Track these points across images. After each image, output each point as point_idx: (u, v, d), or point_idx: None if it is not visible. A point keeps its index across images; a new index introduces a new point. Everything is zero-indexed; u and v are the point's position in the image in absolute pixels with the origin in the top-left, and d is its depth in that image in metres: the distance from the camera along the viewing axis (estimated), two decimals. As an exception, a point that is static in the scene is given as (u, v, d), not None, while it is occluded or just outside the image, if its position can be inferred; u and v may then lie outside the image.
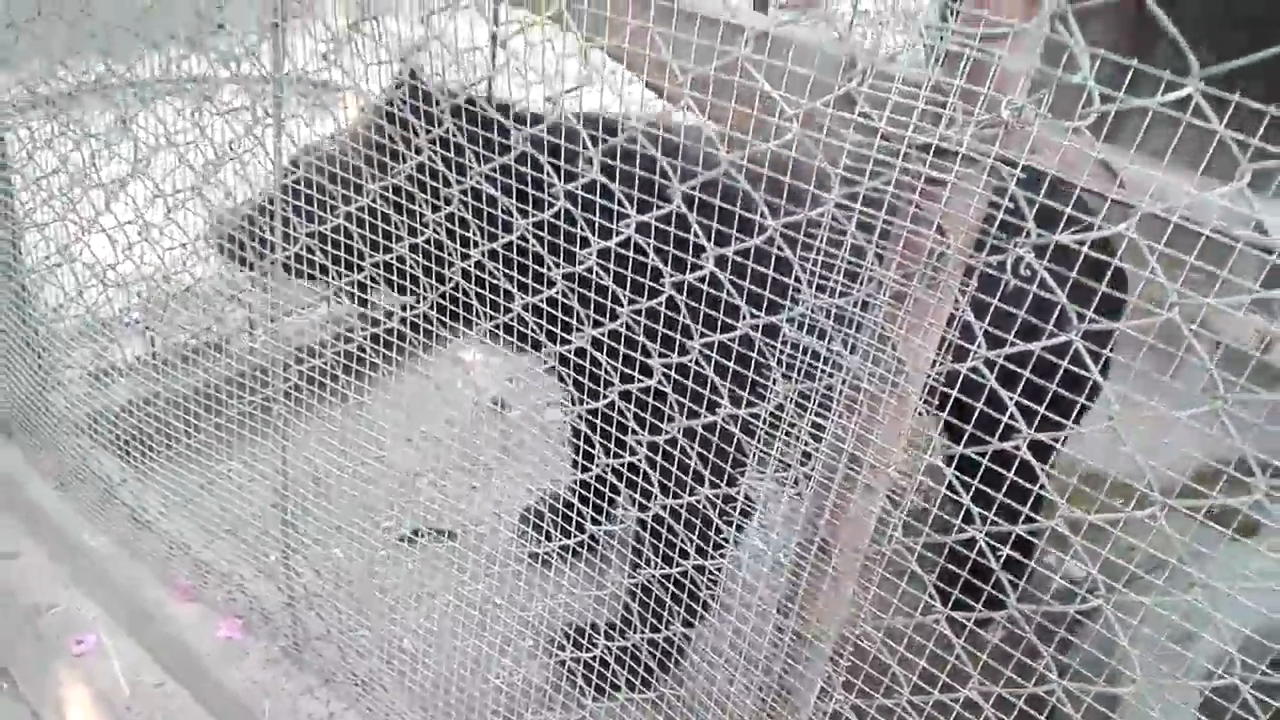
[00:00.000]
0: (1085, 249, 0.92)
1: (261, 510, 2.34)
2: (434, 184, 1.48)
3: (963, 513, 1.08)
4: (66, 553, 2.52)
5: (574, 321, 1.43)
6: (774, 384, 1.18)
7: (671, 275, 1.20)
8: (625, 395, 1.39)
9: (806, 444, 1.19)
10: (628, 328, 1.29)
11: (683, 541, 1.41)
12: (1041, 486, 1.06)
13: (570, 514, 2.60)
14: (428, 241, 1.53)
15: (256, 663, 2.19)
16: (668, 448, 1.37)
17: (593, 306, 1.40)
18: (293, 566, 2.16)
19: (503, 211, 1.40)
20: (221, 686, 2.15)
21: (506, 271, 1.47)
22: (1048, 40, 0.90)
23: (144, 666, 2.28)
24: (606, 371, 1.41)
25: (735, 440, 1.33)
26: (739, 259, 1.19)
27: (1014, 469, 1.07)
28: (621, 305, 1.27)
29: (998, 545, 1.06)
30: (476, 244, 1.44)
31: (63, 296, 2.58)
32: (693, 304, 1.26)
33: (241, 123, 2.01)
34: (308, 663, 2.18)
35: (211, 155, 2.10)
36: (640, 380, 1.32)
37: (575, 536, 2.35)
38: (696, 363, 1.26)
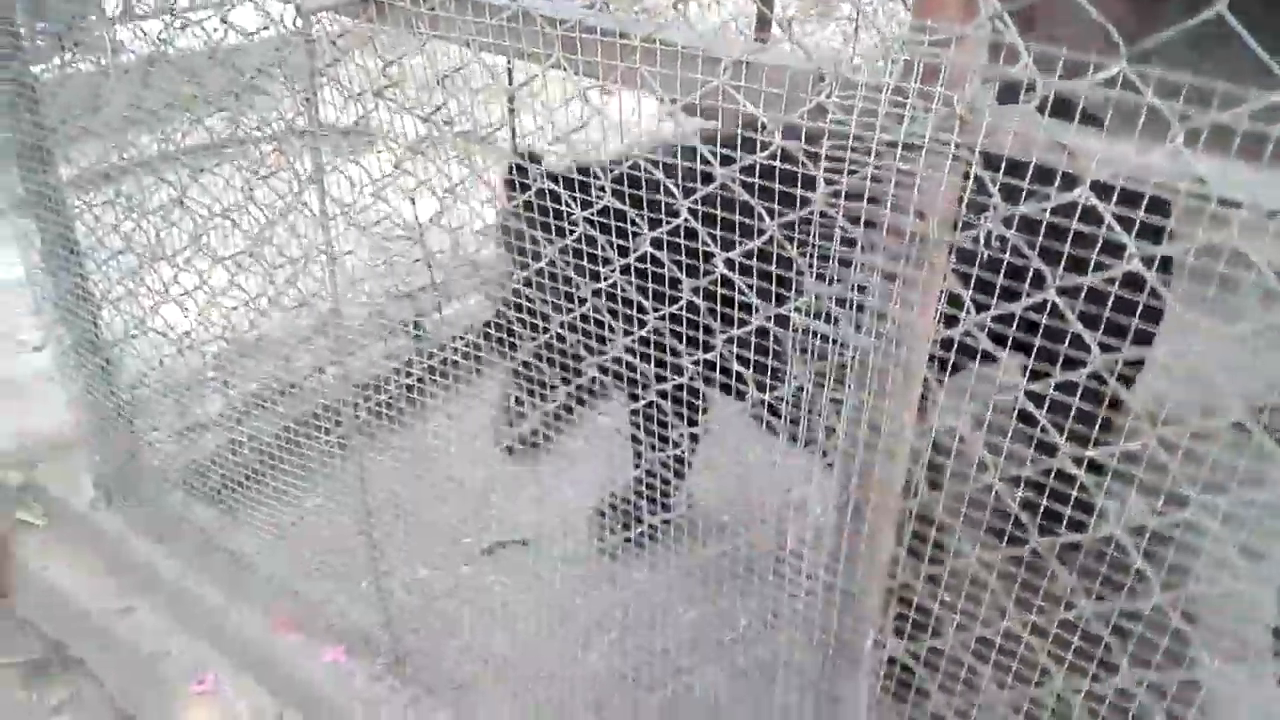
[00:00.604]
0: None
1: (349, 540, 2.52)
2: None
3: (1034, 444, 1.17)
4: (176, 602, 2.72)
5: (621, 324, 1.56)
6: (792, 367, 1.31)
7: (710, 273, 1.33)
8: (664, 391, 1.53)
9: (829, 419, 1.31)
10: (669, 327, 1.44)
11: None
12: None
13: (632, 509, 2.74)
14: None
15: (363, 681, 2.36)
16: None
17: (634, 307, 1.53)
18: (384, 588, 2.32)
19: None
20: (334, 706, 2.33)
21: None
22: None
23: (261, 698, 2.47)
24: (645, 371, 1.54)
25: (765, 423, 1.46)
26: (745, 260, 1.32)
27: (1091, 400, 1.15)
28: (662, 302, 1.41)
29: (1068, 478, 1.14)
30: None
31: (144, 364, 2.78)
32: (711, 303, 1.39)
33: (284, 182, 2.19)
34: (411, 676, 2.35)
35: (260, 217, 2.29)
36: (674, 378, 1.45)
37: (639, 529, 2.48)
38: (722, 355, 1.40)
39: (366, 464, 2.27)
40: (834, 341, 1.27)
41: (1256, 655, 2.25)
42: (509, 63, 3.14)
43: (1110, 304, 1.16)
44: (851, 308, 1.23)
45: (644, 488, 2.36)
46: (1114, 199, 0.99)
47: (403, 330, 3.60)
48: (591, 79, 1.28)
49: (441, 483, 2.78)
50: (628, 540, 2.54)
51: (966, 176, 1.09)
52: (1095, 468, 1.15)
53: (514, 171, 1.87)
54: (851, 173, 1.12)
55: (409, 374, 2.91)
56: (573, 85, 1.34)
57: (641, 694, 2.29)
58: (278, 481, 2.65)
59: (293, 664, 2.42)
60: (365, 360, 3.37)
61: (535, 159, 1.78)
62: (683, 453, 1.52)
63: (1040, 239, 1.11)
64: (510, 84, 3.50)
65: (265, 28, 1.81)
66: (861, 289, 1.21)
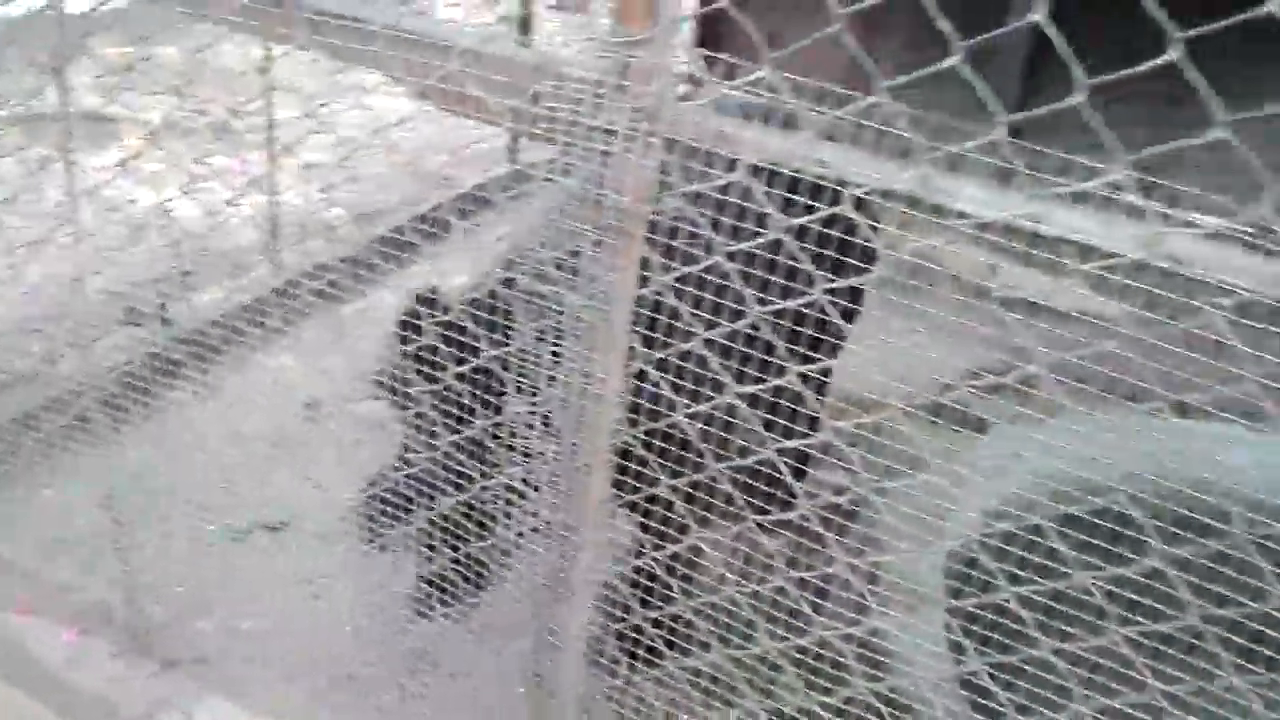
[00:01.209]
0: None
1: (93, 522, 2.49)
2: None
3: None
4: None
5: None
6: (520, 328, 1.50)
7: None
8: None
9: (550, 372, 1.51)
10: None
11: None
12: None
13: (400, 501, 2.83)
14: None
15: (102, 659, 2.34)
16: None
17: None
18: (127, 568, 2.32)
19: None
20: (70, 687, 2.29)
21: None
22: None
23: (-8, 683, 2.39)
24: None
25: (496, 377, 1.64)
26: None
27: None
28: None
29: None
30: None
31: None
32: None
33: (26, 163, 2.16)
34: (154, 651, 2.35)
35: None
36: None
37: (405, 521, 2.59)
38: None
39: (112, 447, 2.27)
40: (553, 303, 1.47)
41: (925, 605, 2.65)
42: (267, 51, 3.18)
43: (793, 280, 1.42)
44: (569, 271, 1.43)
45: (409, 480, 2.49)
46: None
47: (150, 317, 3.53)
48: (340, 62, 1.42)
49: (194, 466, 2.78)
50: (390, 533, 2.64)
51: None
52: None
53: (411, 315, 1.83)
54: (564, 151, 1.32)
55: (156, 360, 2.89)
56: (328, 74, 1.48)
57: (392, 663, 2.41)
58: (11, 466, 2.58)
59: (27, 647, 2.36)
60: (109, 345, 3.29)
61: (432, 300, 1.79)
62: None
63: (729, 219, 1.35)
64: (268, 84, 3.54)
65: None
66: (575, 255, 1.41)
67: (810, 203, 1.27)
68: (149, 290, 3.62)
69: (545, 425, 1.56)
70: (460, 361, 1.64)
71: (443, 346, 1.65)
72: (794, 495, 1.44)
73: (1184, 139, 0.97)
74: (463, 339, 1.63)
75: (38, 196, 2.50)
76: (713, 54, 1.35)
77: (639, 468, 1.57)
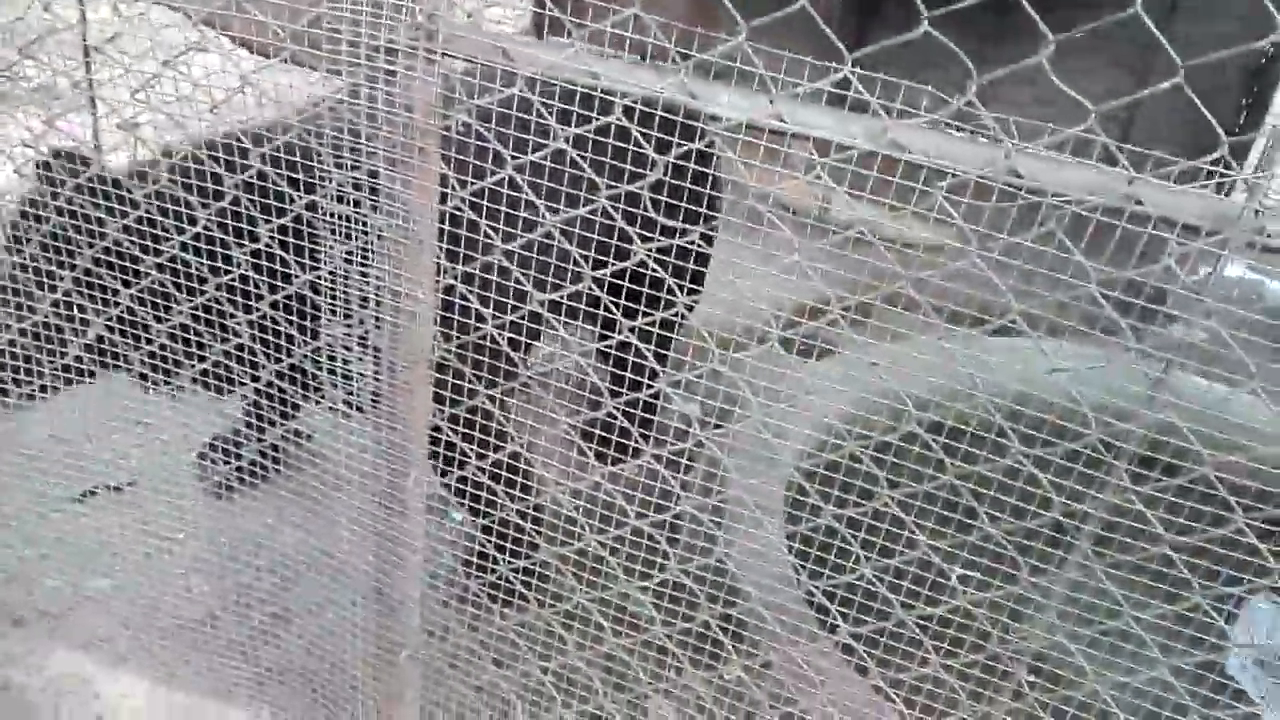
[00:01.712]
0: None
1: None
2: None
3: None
4: None
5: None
6: (328, 248, 1.54)
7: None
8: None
9: (363, 291, 1.56)
10: None
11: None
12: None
13: (240, 442, 2.84)
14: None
15: (-60, 624, 2.30)
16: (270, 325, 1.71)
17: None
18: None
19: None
20: (-94, 655, 2.25)
21: None
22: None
23: None
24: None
25: (308, 300, 1.68)
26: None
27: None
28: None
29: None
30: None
31: None
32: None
33: None
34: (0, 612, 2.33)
35: None
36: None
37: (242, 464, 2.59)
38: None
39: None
40: (358, 223, 1.52)
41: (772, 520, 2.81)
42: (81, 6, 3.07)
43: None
44: (371, 192, 1.48)
45: (247, 425, 2.50)
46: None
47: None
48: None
49: (27, 428, 2.72)
50: (233, 478, 2.64)
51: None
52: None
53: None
54: (350, 73, 1.36)
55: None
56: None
57: (241, 610, 2.43)
58: None
59: None
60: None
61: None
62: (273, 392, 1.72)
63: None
64: (84, 37, 3.40)
65: None
66: (374, 175, 1.46)
67: (582, 112, 1.36)
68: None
69: (362, 346, 1.61)
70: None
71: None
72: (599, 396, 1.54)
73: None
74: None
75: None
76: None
77: (457, 381, 1.64)
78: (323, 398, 1.75)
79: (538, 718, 1.97)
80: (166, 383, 2.04)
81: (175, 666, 2.26)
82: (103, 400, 3.19)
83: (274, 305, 1.67)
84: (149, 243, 1.73)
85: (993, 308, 1.33)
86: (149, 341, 1.83)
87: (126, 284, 1.78)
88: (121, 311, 1.78)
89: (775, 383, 1.71)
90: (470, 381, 1.60)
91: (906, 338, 2.33)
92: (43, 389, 2.08)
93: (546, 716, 1.93)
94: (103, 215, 1.73)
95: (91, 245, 1.74)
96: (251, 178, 1.55)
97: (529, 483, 1.94)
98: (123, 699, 2.24)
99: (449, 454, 1.69)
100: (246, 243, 1.64)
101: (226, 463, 2.63)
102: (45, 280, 1.86)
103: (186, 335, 1.81)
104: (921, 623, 1.47)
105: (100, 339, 1.89)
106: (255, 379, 1.75)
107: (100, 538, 2.69)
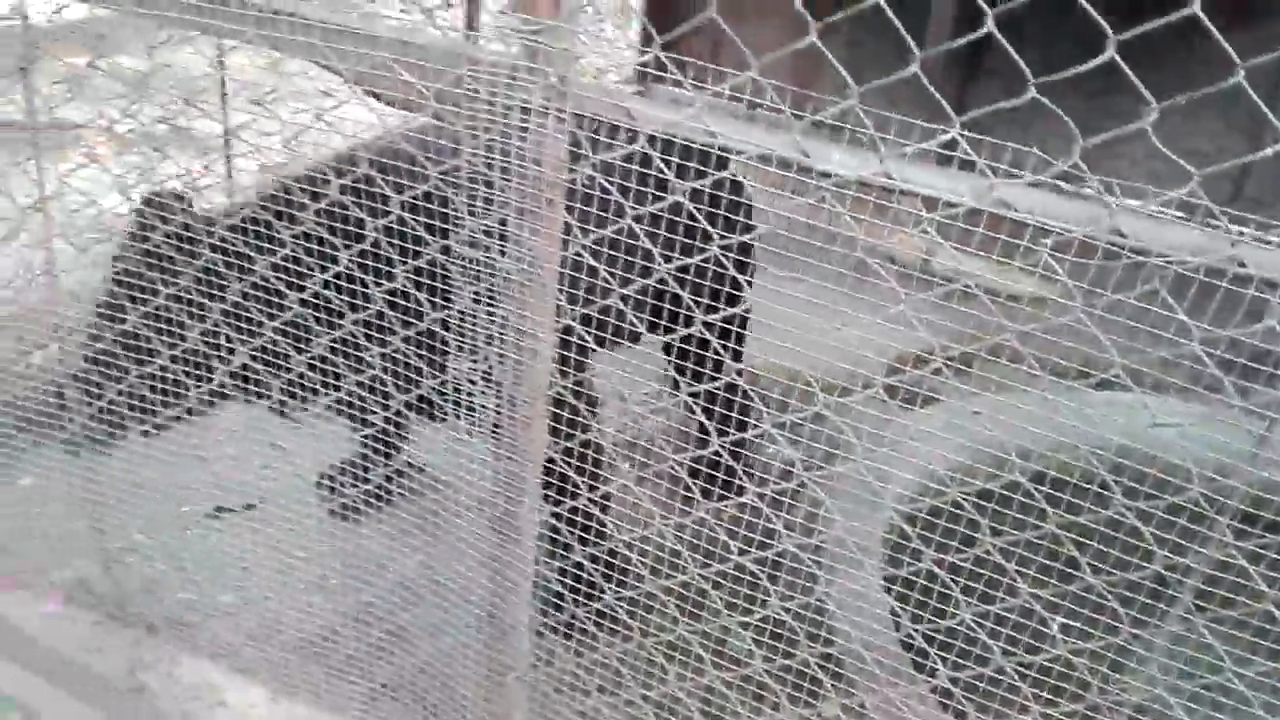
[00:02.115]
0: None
1: (71, 505, 2.63)
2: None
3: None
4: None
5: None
6: (460, 290, 1.66)
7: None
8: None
9: (489, 330, 1.67)
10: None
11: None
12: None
13: (360, 470, 2.99)
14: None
15: (84, 627, 2.49)
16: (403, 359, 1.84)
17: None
18: (107, 547, 2.46)
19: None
20: (56, 653, 2.44)
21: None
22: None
23: (-24, 654, 2.53)
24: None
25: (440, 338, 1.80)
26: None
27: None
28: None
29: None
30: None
31: None
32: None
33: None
34: (134, 618, 2.50)
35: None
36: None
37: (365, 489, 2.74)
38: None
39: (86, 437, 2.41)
40: (487, 266, 1.63)
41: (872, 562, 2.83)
42: (219, 54, 3.32)
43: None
44: (500, 239, 1.59)
45: (368, 452, 2.65)
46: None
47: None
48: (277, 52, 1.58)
49: (169, 452, 2.92)
50: (360, 502, 2.79)
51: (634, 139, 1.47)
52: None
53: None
54: (486, 130, 1.48)
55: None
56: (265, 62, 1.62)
57: (360, 627, 2.56)
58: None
59: (9, 618, 2.50)
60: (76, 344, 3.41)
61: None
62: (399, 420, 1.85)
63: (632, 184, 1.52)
64: (222, 83, 3.68)
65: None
66: (504, 223, 1.57)
67: (700, 168, 1.44)
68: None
69: (486, 381, 1.72)
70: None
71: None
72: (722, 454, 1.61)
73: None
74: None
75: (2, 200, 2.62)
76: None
77: (571, 415, 1.73)
78: (446, 426, 1.86)
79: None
80: (303, 409, 2.19)
81: (296, 679, 2.39)
82: (238, 422, 3.40)
83: (406, 340, 1.80)
84: (292, 279, 1.88)
85: (1096, 363, 1.35)
86: (287, 370, 1.98)
87: (270, 316, 1.93)
88: (265, 342, 1.93)
89: (879, 429, 1.75)
90: (585, 417, 1.69)
91: (1009, 389, 2.34)
92: (188, 411, 2.25)
93: (646, 745, 1.99)
94: (251, 253, 1.88)
95: (230, 281, 1.89)
96: (391, 223, 1.69)
97: (635, 515, 2.01)
98: (250, 708, 2.38)
99: (561, 484, 1.78)
100: (384, 281, 1.77)
101: (352, 487, 2.77)
102: (194, 310, 2.03)
103: (323, 365, 1.94)
104: (1021, 670, 1.48)
105: (243, 367, 2.05)
106: (386, 408, 1.88)
107: (231, 554, 2.88)
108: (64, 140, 4.24)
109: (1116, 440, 2.14)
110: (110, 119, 2.33)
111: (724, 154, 1.39)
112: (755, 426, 1.54)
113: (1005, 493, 1.54)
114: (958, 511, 1.52)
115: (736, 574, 1.62)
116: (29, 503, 2.86)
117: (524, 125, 1.46)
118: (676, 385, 2.58)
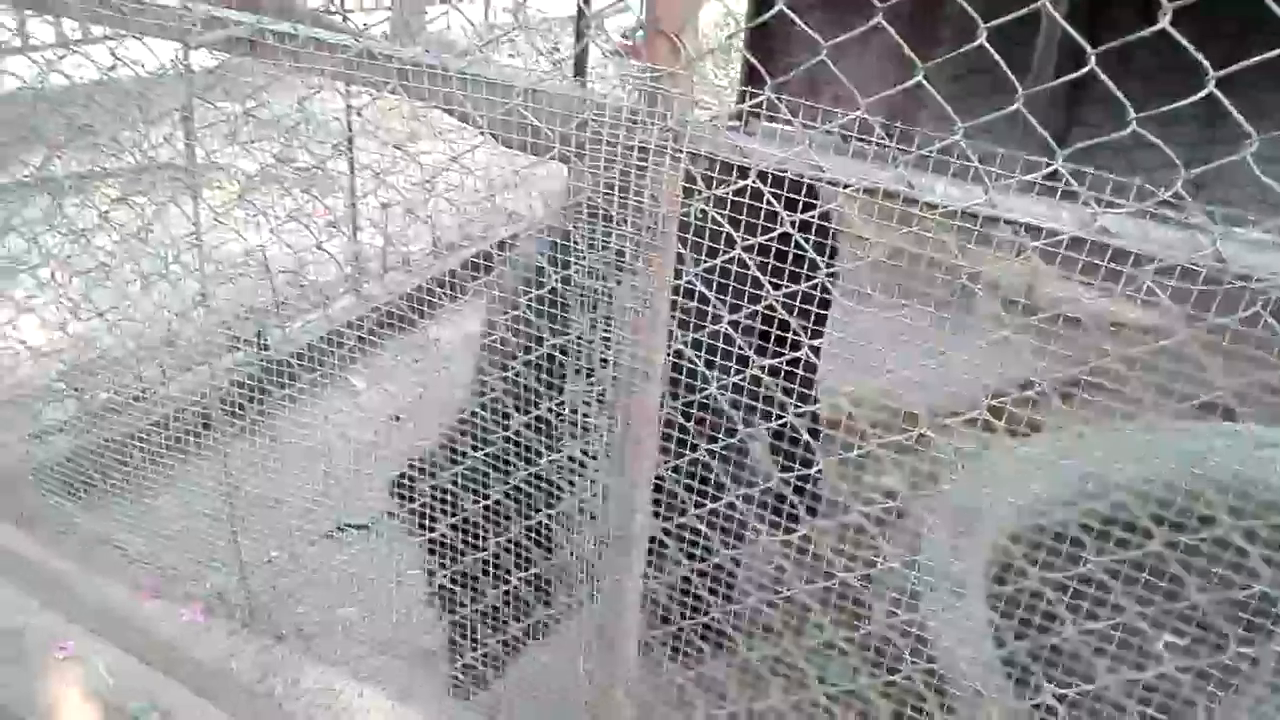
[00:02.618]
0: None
1: (206, 520, 2.82)
2: None
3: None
4: (35, 580, 2.92)
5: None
6: (575, 318, 1.77)
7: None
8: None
9: (604, 354, 1.78)
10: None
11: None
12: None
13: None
14: None
15: (219, 635, 2.66)
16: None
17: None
18: (241, 558, 2.64)
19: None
20: (192, 659, 2.61)
21: None
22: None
23: (122, 658, 2.72)
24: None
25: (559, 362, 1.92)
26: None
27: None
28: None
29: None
30: None
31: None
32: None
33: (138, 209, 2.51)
34: (264, 628, 2.66)
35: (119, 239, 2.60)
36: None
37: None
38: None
39: (221, 457, 2.60)
40: (604, 294, 1.74)
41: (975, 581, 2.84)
42: (347, 98, 3.54)
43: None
44: (617, 268, 1.70)
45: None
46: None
47: (249, 344, 3.90)
48: (419, 100, 1.72)
49: (292, 474, 3.11)
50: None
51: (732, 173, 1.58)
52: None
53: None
54: (607, 168, 1.59)
55: (259, 380, 3.24)
56: (408, 114, 1.77)
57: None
58: (131, 475, 2.93)
59: (151, 626, 2.69)
60: (216, 369, 3.65)
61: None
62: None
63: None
64: (349, 127, 3.91)
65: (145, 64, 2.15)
66: (621, 254, 1.68)
67: (808, 200, 1.53)
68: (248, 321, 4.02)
69: (600, 402, 1.82)
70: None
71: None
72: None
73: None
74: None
75: (146, 238, 2.86)
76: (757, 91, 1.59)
77: (681, 435, 1.82)
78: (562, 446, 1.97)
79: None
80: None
81: (413, 688, 2.52)
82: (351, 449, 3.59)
83: (526, 364, 1.92)
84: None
85: (1200, 388, 1.38)
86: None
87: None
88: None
89: (981, 453, 1.80)
90: (694, 437, 1.78)
91: (1112, 415, 2.35)
92: None
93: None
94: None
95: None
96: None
97: (743, 532, 2.09)
98: (367, 715, 2.51)
99: (670, 500, 1.87)
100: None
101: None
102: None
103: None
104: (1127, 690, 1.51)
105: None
106: (506, 428, 2.00)
107: (346, 568, 3.04)
108: (217, 180, 4.58)
109: (1233, 469, 2.14)
110: (262, 163, 2.53)
111: (813, 186, 1.47)
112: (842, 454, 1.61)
113: (1110, 516, 1.56)
114: (1061, 532, 1.56)
115: (842, 589, 1.67)
116: (171, 516, 3.07)
117: (641, 164, 1.57)
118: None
